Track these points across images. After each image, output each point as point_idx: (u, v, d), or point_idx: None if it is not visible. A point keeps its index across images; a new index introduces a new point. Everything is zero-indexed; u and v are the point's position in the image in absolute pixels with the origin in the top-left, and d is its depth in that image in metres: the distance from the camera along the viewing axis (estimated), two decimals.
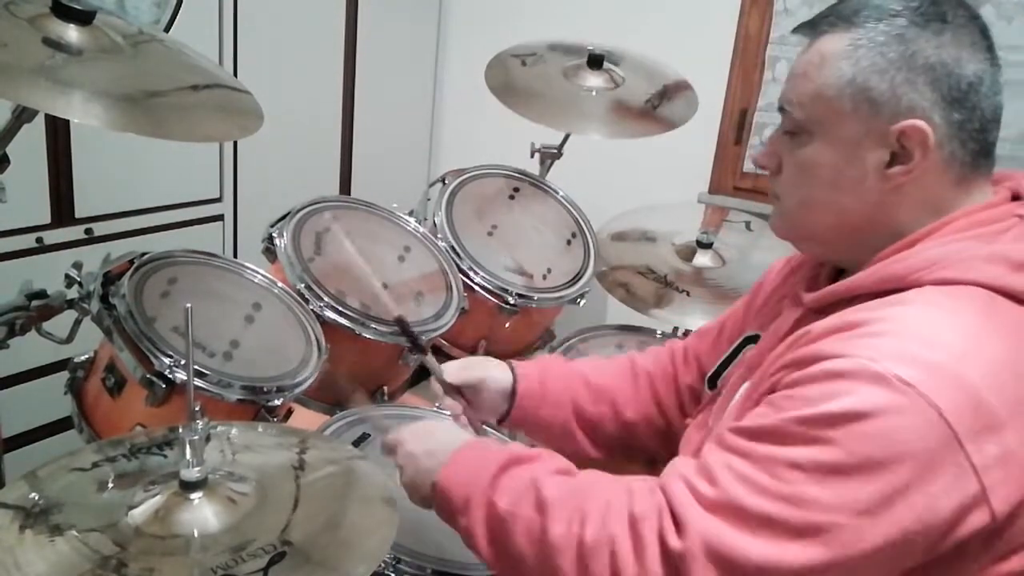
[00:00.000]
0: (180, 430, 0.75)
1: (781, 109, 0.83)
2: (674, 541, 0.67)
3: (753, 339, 0.94)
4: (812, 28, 0.80)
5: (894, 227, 0.78)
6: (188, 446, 0.75)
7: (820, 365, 0.68)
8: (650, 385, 1.10)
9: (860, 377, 0.65)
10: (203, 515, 0.73)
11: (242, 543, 0.70)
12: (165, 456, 0.84)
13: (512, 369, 1.10)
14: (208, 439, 0.79)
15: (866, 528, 0.64)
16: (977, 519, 0.65)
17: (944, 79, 0.73)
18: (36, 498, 0.76)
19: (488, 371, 1.09)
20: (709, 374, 1.01)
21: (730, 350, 0.99)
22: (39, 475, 0.80)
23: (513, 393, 1.08)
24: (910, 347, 0.66)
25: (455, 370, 1.08)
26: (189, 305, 0.77)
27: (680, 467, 0.74)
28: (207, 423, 0.77)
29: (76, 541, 0.70)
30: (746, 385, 0.85)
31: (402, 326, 1.09)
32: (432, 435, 0.88)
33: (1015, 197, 0.80)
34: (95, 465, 0.82)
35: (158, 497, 0.75)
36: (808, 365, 0.70)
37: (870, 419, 0.63)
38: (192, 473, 0.74)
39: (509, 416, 1.09)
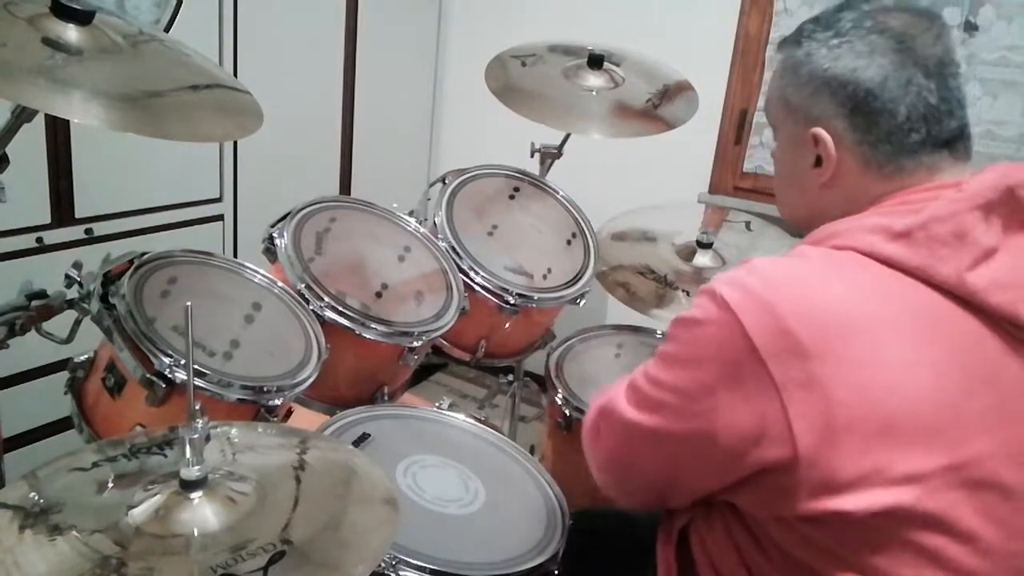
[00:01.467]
0: (180, 430, 0.75)
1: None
2: (601, 400, 0.92)
3: None
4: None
5: (831, 221, 0.86)
6: (188, 446, 0.75)
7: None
8: None
9: (705, 293, 0.80)
10: (203, 515, 0.73)
11: (242, 543, 0.70)
12: (165, 456, 0.84)
13: None
14: (208, 439, 0.78)
15: (684, 412, 0.80)
16: (778, 434, 0.74)
17: (840, 90, 0.83)
18: (36, 498, 0.76)
19: None
20: None
21: None
22: (39, 475, 0.80)
23: None
24: (743, 276, 0.78)
25: None
26: (189, 304, 0.77)
27: None
28: (207, 423, 0.77)
29: (76, 541, 0.70)
30: None
31: None
32: None
33: None
34: (95, 465, 0.82)
35: (158, 497, 0.75)
36: None
37: (697, 326, 0.79)
38: (192, 473, 0.74)
39: None
